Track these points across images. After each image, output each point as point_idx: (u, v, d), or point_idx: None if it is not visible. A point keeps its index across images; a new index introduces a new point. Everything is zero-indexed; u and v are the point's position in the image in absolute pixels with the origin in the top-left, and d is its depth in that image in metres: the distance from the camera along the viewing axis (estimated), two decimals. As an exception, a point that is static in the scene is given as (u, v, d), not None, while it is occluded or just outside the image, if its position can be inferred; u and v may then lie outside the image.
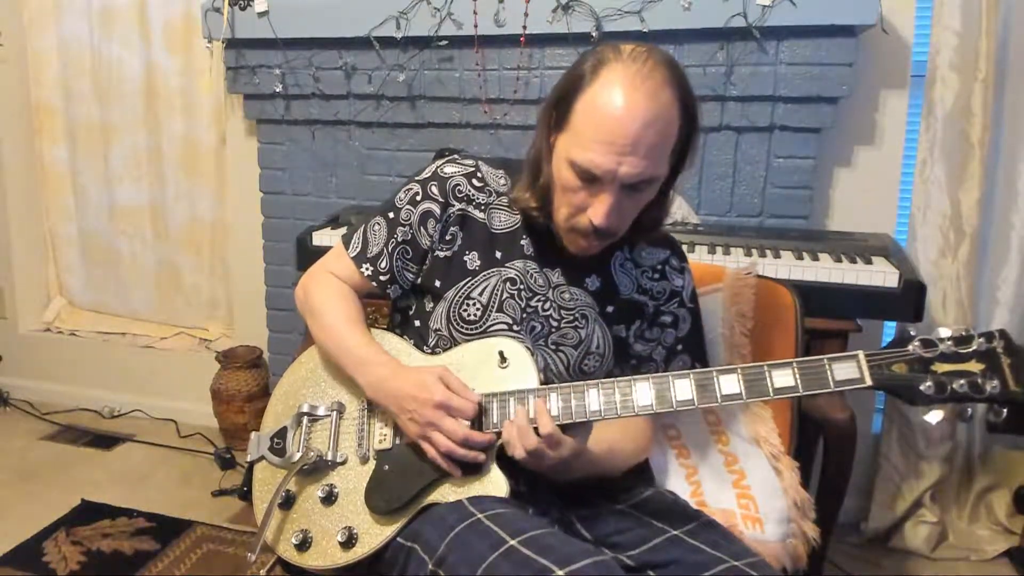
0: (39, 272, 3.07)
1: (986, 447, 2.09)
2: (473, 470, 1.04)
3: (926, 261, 1.98)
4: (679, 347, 1.23)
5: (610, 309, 1.19)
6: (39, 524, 2.14)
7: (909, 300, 1.57)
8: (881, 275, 1.60)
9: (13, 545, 2.05)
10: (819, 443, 1.61)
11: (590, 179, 1.01)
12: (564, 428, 1.02)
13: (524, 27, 2.00)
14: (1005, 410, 0.90)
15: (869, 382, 0.93)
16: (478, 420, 1.05)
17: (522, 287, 1.16)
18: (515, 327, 1.14)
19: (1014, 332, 1.95)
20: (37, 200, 2.99)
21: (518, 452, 1.00)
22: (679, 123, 1.02)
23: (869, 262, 1.66)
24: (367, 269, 1.21)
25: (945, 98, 1.90)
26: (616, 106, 0.97)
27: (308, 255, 1.96)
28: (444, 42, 2.09)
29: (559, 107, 1.05)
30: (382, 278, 1.21)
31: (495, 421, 1.05)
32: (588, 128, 1.00)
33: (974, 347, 0.91)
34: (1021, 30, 1.87)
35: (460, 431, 1.02)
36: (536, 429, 1.00)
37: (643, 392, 1.01)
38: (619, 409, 1.02)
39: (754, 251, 1.74)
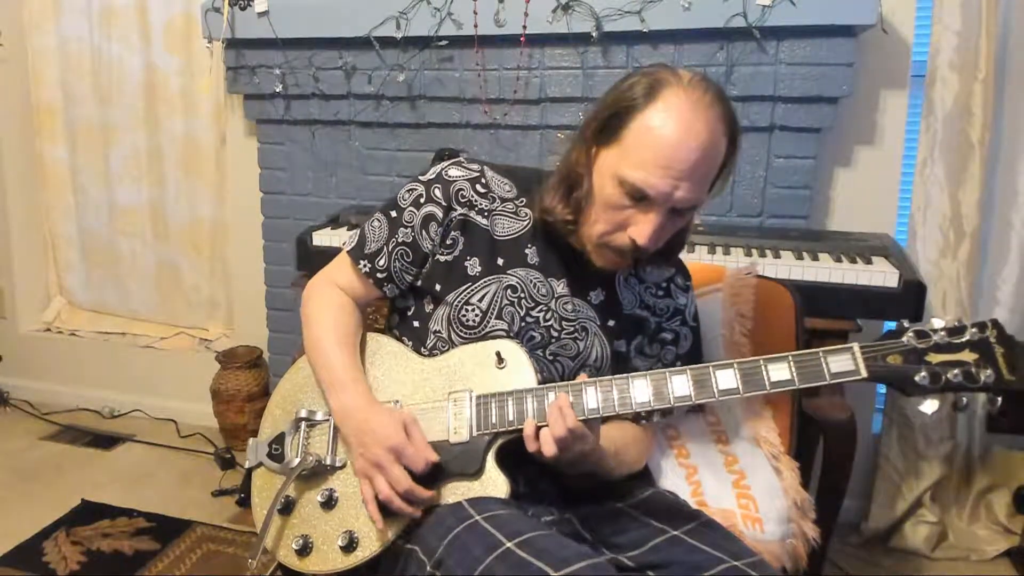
0: (39, 272, 3.07)
1: (986, 447, 2.09)
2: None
3: (926, 261, 1.98)
4: (678, 364, 1.23)
5: (612, 323, 1.19)
6: (39, 524, 2.14)
7: (909, 300, 1.57)
8: (881, 275, 1.60)
9: (13, 545, 2.05)
10: (819, 443, 1.61)
11: (639, 198, 1.02)
12: None
13: (524, 27, 2.00)
14: (1000, 399, 0.90)
15: (864, 374, 0.94)
16: (428, 479, 1.03)
17: (523, 295, 1.15)
18: (512, 334, 1.14)
19: (1014, 332, 1.96)
20: (37, 200, 2.99)
21: (548, 449, 0.99)
22: (724, 156, 1.05)
23: (869, 262, 1.66)
24: (364, 265, 1.20)
25: (945, 98, 1.90)
26: (679, 131, 0.99)
27: (308, 255, 1.96)
28: (444, 42, 2.08)
29: (608, 123, 1.05)
30: (379, 275, 1.20)
31: (493, 422, 1.05)
32: (645, 149, 1.00)
33: (967, 337, 0.91)
34: (1021, 30, 1.86)
35: (405, 482, 1.01)
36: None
37: (640, 389, 1.02)
38: (617, 406, 1.02)
39: (754, 251, 1.74)
